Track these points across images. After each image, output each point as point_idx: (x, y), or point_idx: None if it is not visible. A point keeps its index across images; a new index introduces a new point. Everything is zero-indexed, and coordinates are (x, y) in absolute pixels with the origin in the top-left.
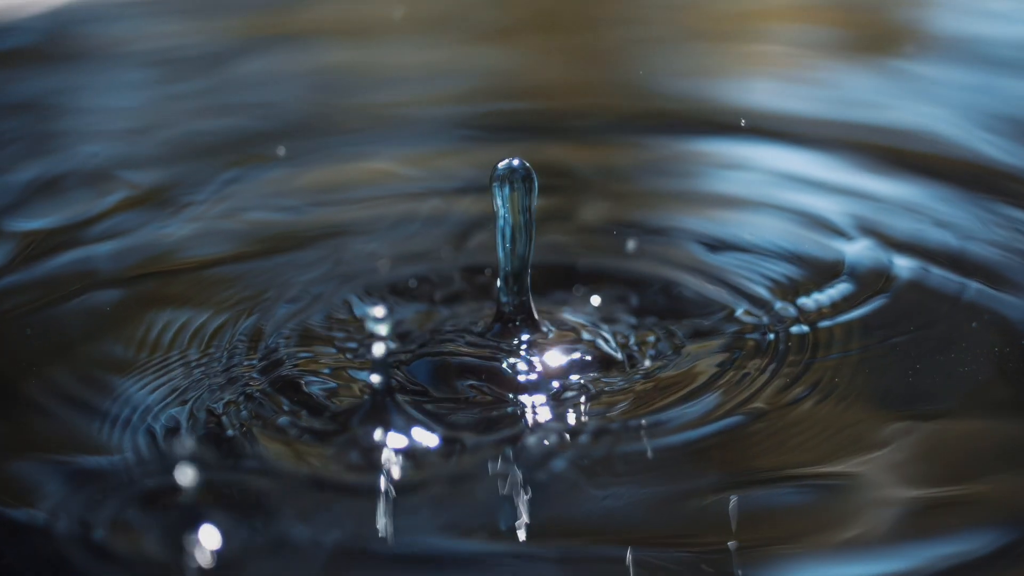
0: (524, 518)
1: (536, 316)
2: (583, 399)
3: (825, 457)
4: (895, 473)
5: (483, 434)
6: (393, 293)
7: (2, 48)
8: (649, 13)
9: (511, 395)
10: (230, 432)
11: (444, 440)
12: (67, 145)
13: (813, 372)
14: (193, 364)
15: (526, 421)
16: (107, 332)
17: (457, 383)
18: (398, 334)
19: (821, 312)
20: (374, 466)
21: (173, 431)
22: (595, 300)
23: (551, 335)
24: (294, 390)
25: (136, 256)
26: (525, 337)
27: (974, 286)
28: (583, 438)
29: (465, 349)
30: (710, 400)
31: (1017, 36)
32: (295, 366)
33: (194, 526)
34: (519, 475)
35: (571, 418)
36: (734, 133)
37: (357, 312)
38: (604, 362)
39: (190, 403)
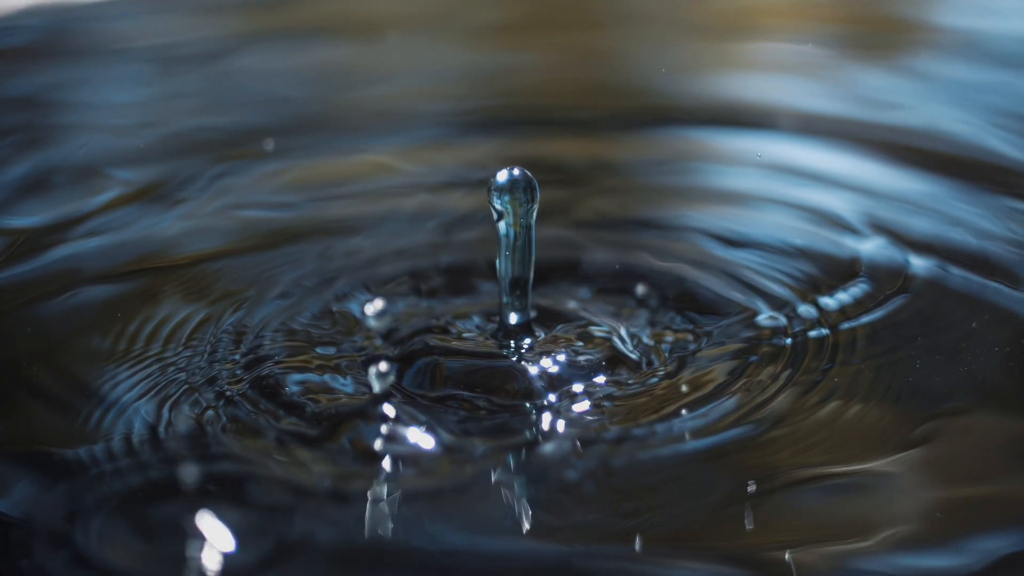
0: (539, 521)
1: (534, 322)
2: (599, 401)
3: (846, 458)
4: (916, 474)
5: (492, 439)
6: (412, 292)
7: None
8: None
9: (523, 400)
10: (221, 429)
11: (449, 447)
12: (62, 140)
13: (832, 375)
14: (186, 360)
15: (541, 425)
16: (95, 328)
17: (459, 386)
18: (402, 335)
19: (844, 312)
20: (381, 468)
21: (159, 426)
22: (607, 298)
23: (558, 336)
24: (286, 389)
25: (130, 252)
26: (530, 340)
27: (991, 285)
28: (601, 442)
29: (468, 350)
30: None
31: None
32: (279, 363)
33: (182, 523)
34: (535, 478)
35: (588, 420)
36: (746, 128)
37: (365, 305)
38: (619, 363)
39: (176, 397)
